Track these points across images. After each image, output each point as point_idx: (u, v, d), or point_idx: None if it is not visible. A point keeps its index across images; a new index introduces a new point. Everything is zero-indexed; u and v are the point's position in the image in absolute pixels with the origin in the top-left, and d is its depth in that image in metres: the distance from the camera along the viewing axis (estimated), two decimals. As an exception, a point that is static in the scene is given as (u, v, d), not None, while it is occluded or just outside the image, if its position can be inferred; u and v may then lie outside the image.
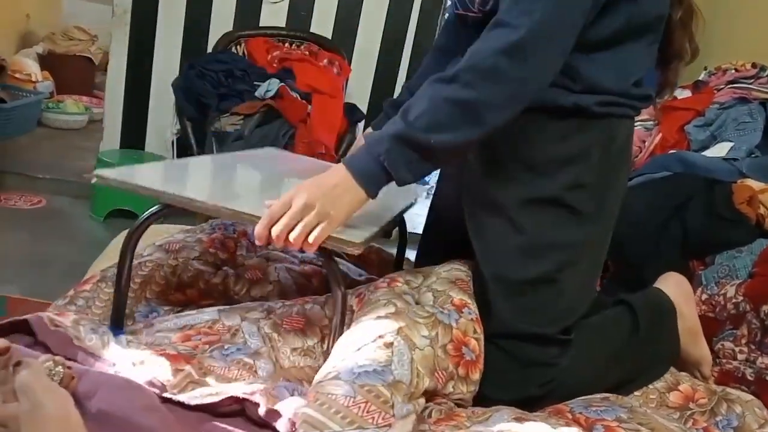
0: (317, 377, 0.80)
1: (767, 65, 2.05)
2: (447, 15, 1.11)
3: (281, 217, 0.82)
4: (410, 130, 0.82)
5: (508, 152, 0.95)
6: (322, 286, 1.16)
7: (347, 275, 1.20)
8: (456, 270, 1.00)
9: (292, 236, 0.82)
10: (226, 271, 1.14)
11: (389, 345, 0.80)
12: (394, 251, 1.37)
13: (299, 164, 1.44)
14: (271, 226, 0.83)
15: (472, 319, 0.90)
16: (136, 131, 3.02)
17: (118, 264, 0.95)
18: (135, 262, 1.04)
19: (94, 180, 0.90)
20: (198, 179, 1.11)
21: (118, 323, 0.96)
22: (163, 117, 2.93)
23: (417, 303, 0.91)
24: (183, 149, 2.68)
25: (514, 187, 0.95)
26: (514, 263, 0.96)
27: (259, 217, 0.84)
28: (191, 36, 2.93)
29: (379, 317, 0.85)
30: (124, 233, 1.40)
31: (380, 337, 0.81)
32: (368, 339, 0.81)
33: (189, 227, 1.27)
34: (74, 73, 4.30)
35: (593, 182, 0.95)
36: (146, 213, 0.93)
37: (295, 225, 0.82)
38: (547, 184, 0.93)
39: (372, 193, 0.86)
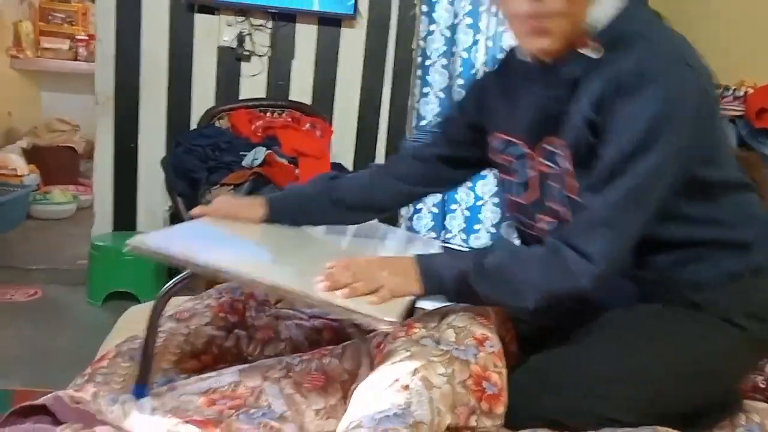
0: (340, 428, 0.81)
1: None
2: (411, 148, 1.20)
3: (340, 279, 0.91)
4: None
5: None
6: (333, 339, 1.17)
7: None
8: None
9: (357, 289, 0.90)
10: (237, 334, 1.15)
11: (406, 387, 0.81)
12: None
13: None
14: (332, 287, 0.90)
15: (493, 353, 0.91)
16: (127, 213, 3.04)
17: (148, 322, 0.99)
18: (148, 335, 1.04)
19: (127, 249, 0.91)
20: (232, 244, 1.11)
21: (144, 380, 0.98)
22: (152, 196, 2.97)
23: (437, 343, 0.92)
24: (176, 225, 2.71)
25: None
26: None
27: (293, 291, 0.90)
28: (175, 115, 2.99)
29: (394, 363, 0.87)
30: (131, 310, 1.41)
31: (397, 380, 0.82)
32: (386, 384, 0.82)
33: (195, 295, 1.28)
34: (59, 163, 4.35)
35: None
36: (176, 278, 0.99)
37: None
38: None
39: (424, 292, 0.96)
